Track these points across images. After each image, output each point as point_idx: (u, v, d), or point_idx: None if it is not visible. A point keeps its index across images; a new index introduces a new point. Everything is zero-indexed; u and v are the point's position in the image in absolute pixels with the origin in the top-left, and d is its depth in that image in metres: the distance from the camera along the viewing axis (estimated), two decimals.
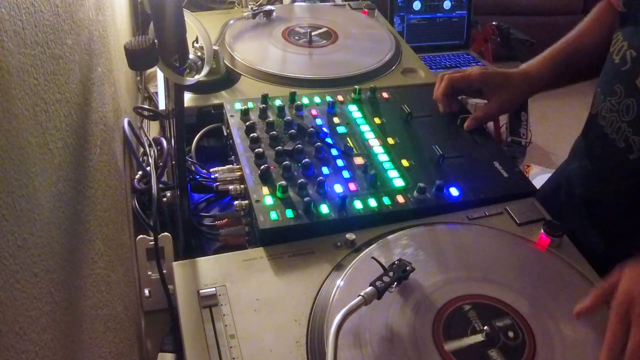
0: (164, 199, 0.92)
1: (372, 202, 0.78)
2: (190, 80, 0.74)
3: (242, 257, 0.72)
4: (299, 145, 0.85)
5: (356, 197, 0.78)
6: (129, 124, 0.94)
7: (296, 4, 1.46)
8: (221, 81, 1.06)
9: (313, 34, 1.21)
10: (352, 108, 0.98)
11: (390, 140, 0.91)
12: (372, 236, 0.75)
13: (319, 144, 0.86)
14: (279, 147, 0.85)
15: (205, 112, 1.02)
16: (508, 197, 0.82)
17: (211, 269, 0.70)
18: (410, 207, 0.78)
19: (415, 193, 0.80)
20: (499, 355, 0.60)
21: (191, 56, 0.75)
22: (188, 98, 1.00)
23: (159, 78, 1.16)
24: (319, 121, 0.94)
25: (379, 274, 0.64)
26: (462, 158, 0.88)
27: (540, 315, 0.65)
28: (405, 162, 0.86)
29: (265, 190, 0.78)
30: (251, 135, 0.87)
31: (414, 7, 2.28)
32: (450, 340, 0.61)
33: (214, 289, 0.67)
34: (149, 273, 0.83)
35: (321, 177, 0.79)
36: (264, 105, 0.95)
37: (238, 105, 0.95)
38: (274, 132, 0.88)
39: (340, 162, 0.85)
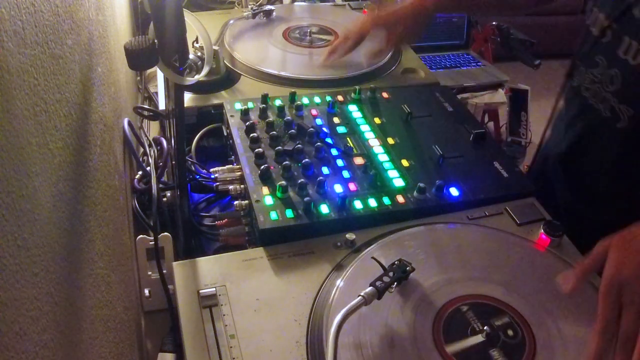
0: (164, 199, 0.92)
1: (372, 202, 0.78)
2: (190, 80, 0.74)
3: (242, 257, 0.72)
4: (299, 145, 0.85)
5: (356, 197, 0.78)
6: (129, 124, 0.94)
7: (296, 4, 1.46)
8: (221, 81, 1.06)
9: (313, 34, 1.21)
10: (352, 108, 0.98)
11: (390, 140, 0.91)
12: (372, 236, 0.75)
13: (319, 144, 0.86)
14: (279, 147, 0.85)
15: (205, 112, 1.02)
16: (508, 197, 0.82)
17: (211, 269, 0.70)
18: (410, 207, 0.78)
19: (415, 193, 0.80)
20: (499, 356, 0.60)
21: (191, 56, 0.75)
22: (188, 98, 1.00)
23: (159, 78, 1.16)
24: (319, 121, 0.94)
25: (379, 274, 0.64)
26: (462, 158, 0.88)
27: (540, 315, 0.65)
28: (405, 162, 0.86)
29: (265, 190, 0.78)
30: (251, 135, 0.87)
31: None
32: (450, 341, 0.61)
33: (214, 289, 0.67)
34: (149, 273, 0.83)
35: (321, 177, 0.79)
36: (264, 105, 0.95)
37: (238, 105, 0.95)
38: (274, 132, 0.88)
39: (340, 162, 0.85)
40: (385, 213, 0.77)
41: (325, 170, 0.83)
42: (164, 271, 0.77)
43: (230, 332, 0.63)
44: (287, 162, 0.82)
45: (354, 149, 0.88)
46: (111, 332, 0.63)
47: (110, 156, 0.76)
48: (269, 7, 1.29)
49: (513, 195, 0.82)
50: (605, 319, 0.59)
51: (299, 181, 0.78)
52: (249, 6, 1.32)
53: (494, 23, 2.32)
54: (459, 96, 2.00)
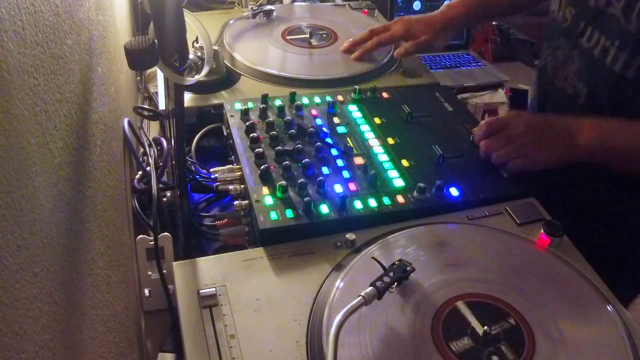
0: (164, 199, 0.92)
1: (372, 202, 0.78)
2: (190, 80, 0.74)
3: (242, 257, 0.72)
4: (299, 145, 0.85)
5: (356, 197, 0.78)
6: (129, 124, 0.94)
7: (296, 4, 1.46)
8: (221, 81, 1.06)
9: (313, 34, 1.21)
10: (352, 108, 0.98)
11: (390, 140, 0.91)
12: (372, 236, 0.75)
13: (319, 144, 0.86)
14: (279, 147, 0.85)
15: (205, 112, 1.02)
16: (508, 197, 0.82)
17: (211, 269, 0.70)
18: (410, 207, 0.78)
19: (415, 193, 0.80)
20: (499, 355, 0.60)
21: (191, 56, 0.75)
22: (188, 98, 1.00)
23: (159, 78, 1.16)
24: (319, 121, 0.94)
25: (379, 274, 0.64)
26: (462, 158, 0.88)
27: (540, 315, 0.65)
28: (405, 162, 0.86)
29: (265, 190, 0.78)
30: (251, 135, 0.87)
31: (414, 7, 2.28)
32: (450, 340, 0.61)
33: (214, 289, 0.67)
34: (149, 273, 0.83)
35: (321, 177, 0.79)
36: (264, 105, 0.95)
37: (238, 105, 0.95)
38: (274, 132, 0.88)
39: (340, 162, 0.85)
40: (385, 213, 0.77)
41: (325, 170, 0.83)
42: (164, 271, 0.77)
43: (230, 332, 0.63)
44: (287, 162, 0.82)
45: (354, 149, 0.88)
46: (111, 332, 0.63)
47: (110, 156, 0.76)
48: (269, 7, 1.29)
49: (513, 195, 0.82)
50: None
51: (299, 181, 0.78)
52: (249, 6, 1.32)
53: (494, 23, 2.32)
54: (459, 96, 2.00)
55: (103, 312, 0.60)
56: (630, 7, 0.80)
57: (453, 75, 2.14)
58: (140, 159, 0.97)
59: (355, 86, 1.01)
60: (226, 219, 0.85)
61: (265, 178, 0.80)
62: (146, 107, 1.14)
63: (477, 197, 0.81)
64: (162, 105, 1.07)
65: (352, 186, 0.81)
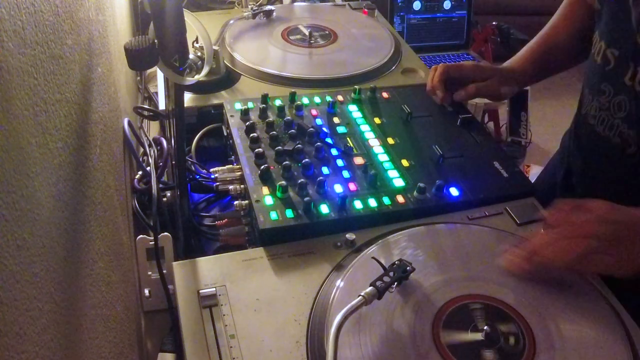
0: (164, 199, 0.92)
1: (372, 202, 0.78)
2: (190, 80, 0.74)
3: (242, 257, 0.72)
4: (299, 145, 0.85)
5: (356, 197, 0.78)
6: (129, 124, 0.94)
7: (296, 4, 1.46)
8: (221, 81, 1.06)
9: (313, 34, 1.21)
10: (352, 108, 0.98)
11: (390, 140, 0.91)
12: (372, 236, 0.75)
13: (319, 144, 0.86)
14: (279, 147, 0.85)
15: (205, 112, 1.02)
16: (508, 197, 0.82)
17: (211, 269, 0.70)
18: (410, 207, 0.78)
19: (415, 193, 0.80)
20: (499, 356, 0.60)
21: (191, 56, 0.75)
22: (188, 98, 1.00)
23: (159, 78, 1.16)
24: (319, 121, 0.94)
25: (379, 274, 0.64)
26: (462, 158, 0.88)
27: (540, 315, 0.65)
28: (405, 162, 0.86)
29: (265, 190, 0.78)
30: (251, 135, 0.87)
31: (414, 7, 2.28)
32: (450, 341, 0.61)
33: (214, 289, 0.67)
34: (149, 273, 0.83)
35: (321, 177, 0.79)
36: (264, 105, 0.95)
37: (238, 105, 0.95)
38: (274, 132, 0.88)
39: (340, 162, 0.85)
40: (385, 213, 0.77)
41: (325, 170, 0.83)
42: (164, 271, 0.77)
43: (230, 332, 0.63)
44: (287, 162, 0.82)
45: (354, 149, 0.88)
46: (111, 332, 0.63)
47: (110, 156, 0.76)
48: (269, 7, 1.29)
49: (513, 195, 0.82)
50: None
51: (299, 181, 0.78)
52: (249, 6, 1.32)
53: (494, 23, 2.32)
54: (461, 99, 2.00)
55: (103, 312, 0.60)
56: None
57: None
58: (140, 159, 0.97)
59: (355, 86, 1.01)
60: (226, 219, 0.85)
61: (265, 178, 0.80)
62: (146, 107, 1.14)
63: (477, 197, 0.81)
64: (162, 105, 1.07)
65: (352, 186, 0.81)
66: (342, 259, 0.72)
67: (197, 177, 0.97)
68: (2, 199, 0.35)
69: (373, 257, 0.67)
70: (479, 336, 0.62)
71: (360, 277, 0.66)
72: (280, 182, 0.78)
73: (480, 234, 0.77)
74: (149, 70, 1.26)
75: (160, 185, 0.94)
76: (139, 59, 0.65)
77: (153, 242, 0.78)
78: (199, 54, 0.79)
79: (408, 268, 0.66)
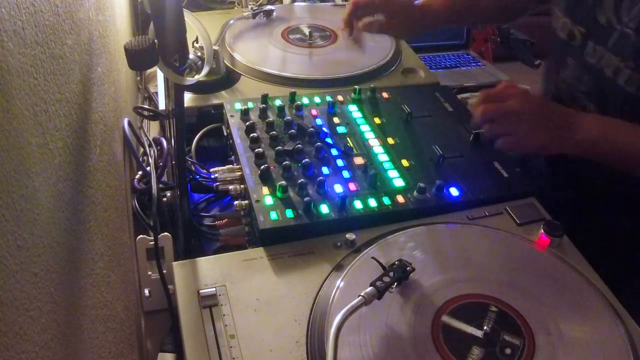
0: (164, 199, 0.92)
1: (372, 202, 0.78)
2: (190, 80, 0.74)
3: (242, 257, 0.72)
4: (299, 145, 0.85)
5: (356, 197, 0.78)
6: (129, 124, 0.94)
7: (296, 4, 1.46)
8: (221, 81, 1.06)
9: (313, 34, 1.21)
10: (352, 108, 0.98)
11: (390, 140, 0.91)
12: (372, 236, 0.75)
13: (319, 144, 0.86)
14: (279, 147, 0.85)
15: (205, 112, 1.02)
16: (508, 197, 0.82)
17: (211, 269, 0.70)
18: (410, 207, 0.78)
19: (415, 193, 0.80)
20: (499, 355, 0.60)
21: (191, 56, 0.75)
22: (188, 98, 1.00)
23: (159, 78, 1.16)
24: (319, 121, 0.94)
25: (379, 274, 0.64)
26: (462, 158, 0.88)
27: (540, 315, 0.65)
28: (405, 162, 0.86)
29: (265, 190, 0.78)
30: (251, 135, 0.87)
31: None
32: (450, 341, 0.61)
33: (214, 289, 0.67)
34: (149, 273, 0.83)
35: (321, 177, 0.79)
36: (264, 105, 0.95)
37: (238, 105, 0.95)
38: (274, 132, 0.88)
39: (340, 162, 0.85)
40: (385, 213, 0.77)
41: (325, 170, 0.83)
42: (164, 271, 0.77)
43: (230, 332, 0.63)
44: (287, 162, 0.82)
45: (354, 149, 0.88)
46: (111, 332, 0.63)
47: (110, 156, 0.76)
48: (269, 7, 1.29)
49: (513, 195, 0.82)
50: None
51: (299, 181, 0.78)
52: (249, 6, 1.32)
53: None
54: (459, 96, 2.00)
55: (103, 312, 0.60)
56: None
57: (453, 75, 2.14)
58: (140, 159, 0.97)
59: (355, 86, 1.01)
60: (226, 219, 0.85)
61: (265, 178, 0.80)
62: (146, 107, 1.14)
63: (477, 197, 0.81)
64: (162, 105, 1.07)
65: (352, 186, 0.81)
66: (342, 259, 0.72)
67: (197, 177, 0.97)
68: (2, 199, 0.35)
69: (373, 257, 0.67)
70: (478, 336, 0.62)
71: (360, 277, 0.66)
72: (280, 182, 0.78)
73: (480, 234, 0.77)
74: (149, 70, 1.26)
75: (160, 185, 0.94)
76: (139, 59, 0.65)
77: (153, 242, 0.78)
78: (199, 54, 0.79)
79: (408, 268, 0.66)
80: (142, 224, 0.92)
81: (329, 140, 0.89)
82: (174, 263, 0.71)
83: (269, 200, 0.77)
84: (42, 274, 0.42)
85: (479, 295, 0.66)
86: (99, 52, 0.75)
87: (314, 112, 0.96)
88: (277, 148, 0.85)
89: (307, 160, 0.82)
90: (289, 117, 0.92)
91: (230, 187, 0.83)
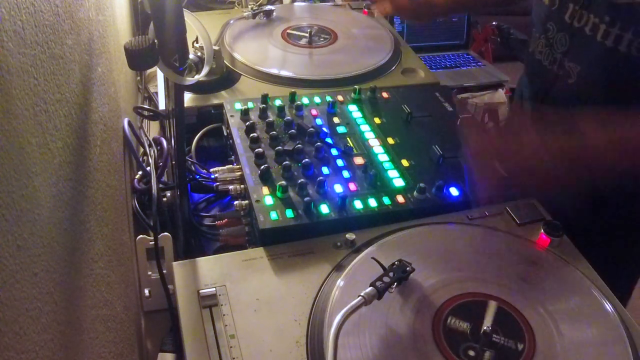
0: (164, 199, 0.92)
1: (372, 202, 0.78)
2: (190, 80, 0.74)
3: (242, 257, 0.72)
4: (299, 145, 0.85)
5: (356, 197, 0.78)
6: (129, 124, 0.94)
7: (296, 4, 1.46)
8: (221, 81, 1.06)
9: (313, 34, 1.21)
10: (352, 108, 0.98)
11: (390, 140, 0.91)
12: (372, 236, 0.75)
13: (319, 144, 0.86)
14: (279, 147, 0.85)
15: (205, 112, 1.02)
16: (508, 197, 0.82)
17: (211, 269, 0.70)
18: (410, 207, 0.78)
19: (415, 193, 0.80)
20: (499, 355, 0.60)
21: (191, 56, 0.75)
22: (188, 98, 1.00)
23: (159, 78, 1.16)
24: (319, 121, 0.94)
25: (379, 274, 0.64)
26: (462, 158, 0.88)
27: (540, 315, 0.65)
28: (405, 162, 0.86)
29: (265, 190, 0.78)
30: (251, 135, 0.87)
31: None
32: (450, 340, 0.61)
33: (214, 289, 0.67)
34: (149, 273, 0.83)
35: (321, 177, 0.79)
36: (264, 105, 0.95)
37: (238, 105, 0.95)
38: (274, 132, 0.88)
39: (340, 162, 0.85)
40: (385, 213, 0.77)
41: (325, 170, 0.83)
42: (164, 271, 0.77)
43: (230, 332, 0.63)
44: (287, 162, 0.82)
45: (354, 149, 0.88)
46: (111, 332, 0.63)
47: (110, 156, 0.76)
48: (269, 7, 1.29)
49: (513, 195, 0.82)
50: None
51: (299, 181, 0.78)
52: (249, 6, 1.32)
53: (494, 23, 2.32)
54: (459, 96, 2.00)
55: (103, 312, 0.60)
56: None
57: (453, 75, 2.14)
58: (140, 159, 0.97)
59: (355, 86, 1.01)
60: (226, 219, 0.85)
61: (265, 178, 0.80)
62: (146, 107, 1.14)
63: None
64: (162, 105, 1.07)
65: (352, 186, 0.81)
66: (342, 259, 0.72)
67: (197, 177, 0.97)
68: (2, 199, 0.35)
69: (373, 258, 0.67)
70: (479, 336, 0.62)
71: (360, 278, 0.66)
72: (280, 182, 0.78)
73: (480, 234, 0.77)
74: (149, 70, 1.26)
75: (160, 185, 0.94)
76: (139, 59, 0.65)
77: (153, 242, 0.78)
78: (199, 54, 0.79)
79: (408, 268, 0.66)
80: (142, 224, 0.92)
81: (329, 140, 0.89)
82: (174, 263, 0.71)
83: (269, 200, 0.77)
84: (42, 274, 0.42)
85: (479, 294, 0.66)
86: (99, 52, 0.75)
87: (314, 112, 0.96)
88: (277, 148, 0.85)
89: (307, 160, 0.82)
90: (289, 117, 0.92)
91: (230, 187, 0.83)
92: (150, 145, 1.01)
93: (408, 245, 0.73)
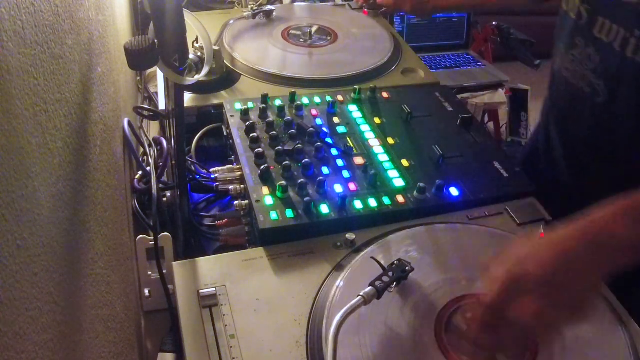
0: (164, 199, 0.92)
1: (372, 202, 0.78)
2: (190, 80, 0.74)
3: (242, 257, 0.72)
4: (299, 145, 0.85)
5: (356, 197, 0.78)
6: (129, 124, 0.94)
7: (296, 4, 1.46)
8: (221, 81, 1.06)
9: (313, 34, 1.21)
10: (352, 108, 0.98)
11: (390, 140, 0.91)
12: (372, 236, 0.75)
13: (319, 144, 0.86)
14: (279, 147, 0.85)
15: (205, 112, 1.02)
16: (508, 197, 0.82)
17: (211, 269, 0.70)
18: (410, 207, 0.78)
19: (415, 193, 0.80)
20: (500, 355, 0.60)
21: (191, 56, 0.75)
22: (188, 98, 1.00)
23: (159, 78, 1.16)
24: (319, 121, 0.94)
25: (378, 274, 0.64)
26: (462, 158, 0.88)
27: None
28: (405, 162, 0.86)
29: (265, 190, 0.78)
30: (251, 135, 0.87)
31: None
32: (450, 340, 0.61)
33: (214, 289, 0.67)
34: (149, 273, 0.83)
35: (321, 177, 0.79)
36: (264, 105, 0.95)
37: (238, 105, 0.95)
38: (274, 132, 0.88)
39: (340, 162, 0.85)
40: (385, 213, 0.77)
41: (325, 170, 0.83)
42: (164, 271, 0.77)
43: (230, 332, 0.63)
44: (287, 162, 0.82)
45: (354, 149, 0.88)
46: (111, 332, 0.63)
47: (110, 156, 0.76)
48: (269, 7, 1.29)
49: (513, 195, 0.82)
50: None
51: (299, 181, 0.78)
52: (249, 6, 1.32)
53: (494, 23, 2.32)
54: (459, 96, 2.00)
55: (103, 312, 0.60)
56: None
57: (453, 75, 2.14)
58: (140, 159, 0.97)
59: (355, 86, 1.01)
60: (226, 219, 0.85)
61: (265, 178, 0.80)
62: (146, 107, 1.14)
63: (477, 197, 0.81)
64: (162, 105, 1.07)
65: (352, 186, 0.81)
66: (342, 259, 0.72)
67: (197, 177, 0.97)
68: (2, 199, 0.35)
69: (372, 257, 0.67)
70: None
71: (360, 277, 0.66)
72: (280, 182, 0.78)
73: (480, 234, 0.77)
74: (149, 70, 1.26)
75: (160, 185, 0.94)
76: (139, 59, 0.65)
77: (153, 242, 0.78)
78: (199, 54, 0.79)
79: (407, 268, 0.66)
80: (142, 224, 0.92)
81: (329, 140, 0.89)
82: (174, 263, 0.71)
83: (269, 200, 0.77)
84: (42, 274, 0.42)
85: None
86: (99, 52, 0.75)
87: (314, 112, 0.96)
88: (277, 148, 0.85)
89: (307, 160, 0.82)
90: (289, 117, 0.92)
91: (230, 187, 0.83)
92: (150, 145, 1.01)
93: (408, 245, 0.73)
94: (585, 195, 0.84)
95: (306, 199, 0.76)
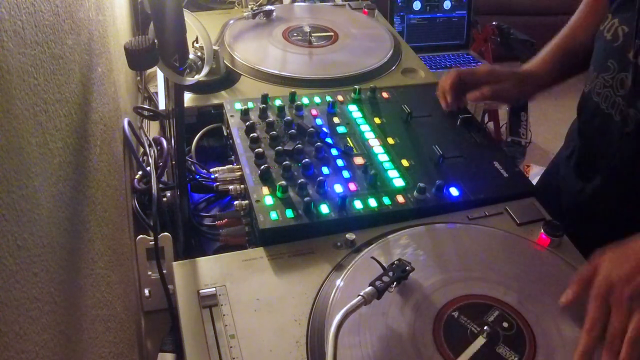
0: (164, 199, 0.92)
1: (372, 202, 0.78)
2: (190, 80, 0.74)
3: (242, 257, 0.72)
4: (299, 145, 0.85)
5: (356, 197, 0.78)
6: (129, 124, 0.94)
7: (296, 4, 1.46)
8: (221, 81, 1.06)
9: (313, 34, 1.21)
10: (352, 108, 0.98)
11: (390, 140, 0.91)
12: (372, 236, 0.75)
13: (319, 144, 0.86)
14: (279, 147, 0.85)
15: (205, 112, 1.02)
16: (508, 197, 0.82)
17: (211, 269, 0.70)
18: (410, 207, 0.78)
19: (415, 193, 0.80)
20: (500, 356, 0.60)
21: (191, 56, 0.75)
22: (188, 98, 1.00)
23: (159, 78, 1.16)
24: (319, 121, 0.94)
25: (378, 274, 0.64)
26: (462, 158, 0.88)
27: (540, 315, 0.65)
28: (405, 162, 0.86)
29: (265, 190, 0.78)
30: (251, 135, 0.87)
31: (414, 7, 2.28)
32: (450, 341, 0.61)
33: (214, 289, 0.67)
34: (149, 273, 0.83)
35: (321, 177, 0.79)
36: (264, 105, 0.95)
37: (238, 105, 0.95)
38: (274, 132, 0.88)
39: (340, 162, 0.85)
40: (385, 213, 0.77)
41: (325, 170, 0.83)
42: (164, 271, 0.77)
43: (230, 332, 0.63)
44: (287, 162, 0.82)
45: (354, 149, 0.88)
46: (111, 332, 0.63)
47: (110, 156, 0.76)
48: (269, 7, 1.29)
49: (513, 195, 0.82)
50: (594, 318, 0.61)
51: (299, 181, 0.78)
52: (249, 6, 1.32)
53: (494, 23, 2.32)
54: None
55: (103, 312, 0.60)
56: None
57: None
58: (140, 159, 0.97)
59: (355, 86, 1.01)
60: (226, 219, 0.85)
61: (265, 178, 0.80)
62: (146, 107, 1.14)
63: (477, 197, 0.81)
64: (162, 105, 1.07)
65: (352, 186, 0.81)
66: (342, 259, 0.72)
67: (197, 177, 0.97)
68: (2, 199, 0.35)
69: (372, 257, 0.67)
70: (479, 336, 0.62)
71: (360, 277, 0.66)
72: (280, 182, 0.78)
73: (480, 234, 0.77)
74: (149, 70, 1.26)
75: (160, 185, 0.94)
76: (139, 59, 0.65)
77: (153, 242, 0.78)
78: (199, 54, 0.79)
79: (407, 268, 0.66)
80: (142, 224, 0.92)
81: (329, 140, 0.89)
82: (174, 263, 0.71)
83: (269, 200, 0.77)
84: (42, 274, 0.42)
85: (479, 295, 0.66)
86: (99, 52, 0.75)
87: (314, 112, 0.96)
88: (277, 148, 0.85)
89: (307, 160, 0.82)
90: (289, 117, 0.92)
91: (230, 187, 0.83)
92: (150, 145, 1.01)
93: (408, 245, 0.73)
94: (621, 223, 0.82)
95: (306, 199, 0.76)
